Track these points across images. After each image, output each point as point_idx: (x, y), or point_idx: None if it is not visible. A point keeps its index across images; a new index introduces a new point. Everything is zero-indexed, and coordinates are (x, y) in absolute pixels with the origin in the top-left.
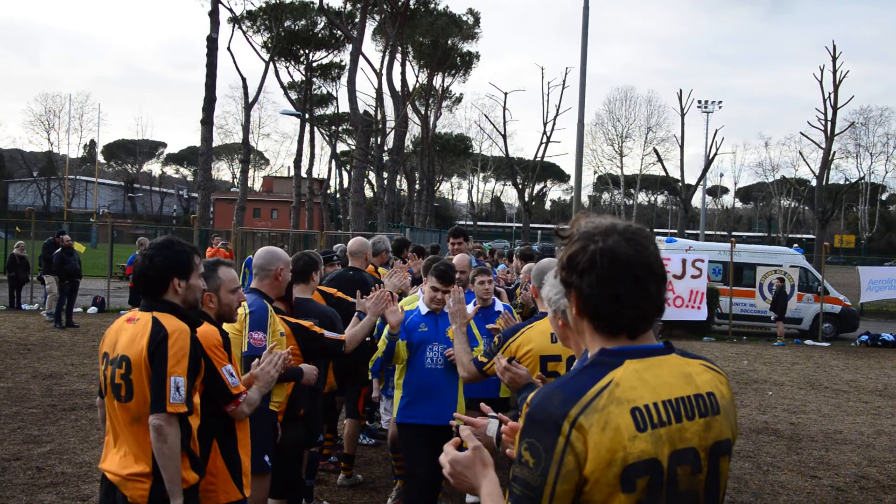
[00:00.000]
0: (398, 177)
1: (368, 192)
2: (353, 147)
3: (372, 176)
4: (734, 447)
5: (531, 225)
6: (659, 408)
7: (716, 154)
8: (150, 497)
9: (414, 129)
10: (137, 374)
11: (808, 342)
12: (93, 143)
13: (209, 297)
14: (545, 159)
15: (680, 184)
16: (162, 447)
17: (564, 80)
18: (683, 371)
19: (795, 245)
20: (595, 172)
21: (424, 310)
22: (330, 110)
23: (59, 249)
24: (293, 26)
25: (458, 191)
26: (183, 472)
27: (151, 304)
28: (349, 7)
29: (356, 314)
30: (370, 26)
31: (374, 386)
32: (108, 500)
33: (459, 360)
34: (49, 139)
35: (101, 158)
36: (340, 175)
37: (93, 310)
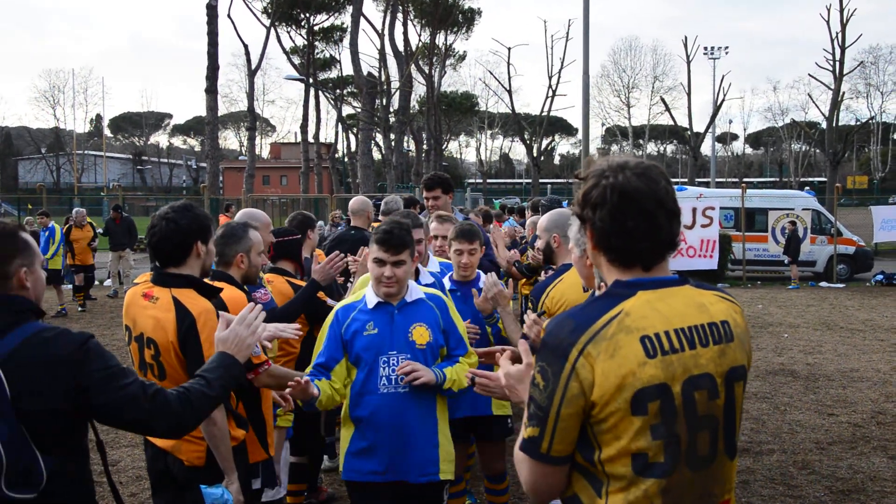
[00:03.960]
0: (405, 138)
1: (376, 155)
2: (359, 110)
3: (379, 138)
4: (752, 388)
5: (541, 180)
6: (671, 335)
7: (723, 100)
8: (208, 459)
9: (419, 89)
10: (167, 356)
11: (823, 284)
12: (99, 118)
13: (241, 257)
14: (552, 113)
15: (689, 132)
16: (213, 430)
17: (568, 33)
18: (697, 301)
19: (807, 188)
20: (603, 125)
21: (373, 300)
22: (333, 74)
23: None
24: None
25: (466, 149)
26: (231, 431)
27: (168, 279)
28: None
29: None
30: None
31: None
32: (158, 464)
33: (511, 340)
34: (55, 115)
35: (107, 132)
36: (347, 138)
37: (108, 283)
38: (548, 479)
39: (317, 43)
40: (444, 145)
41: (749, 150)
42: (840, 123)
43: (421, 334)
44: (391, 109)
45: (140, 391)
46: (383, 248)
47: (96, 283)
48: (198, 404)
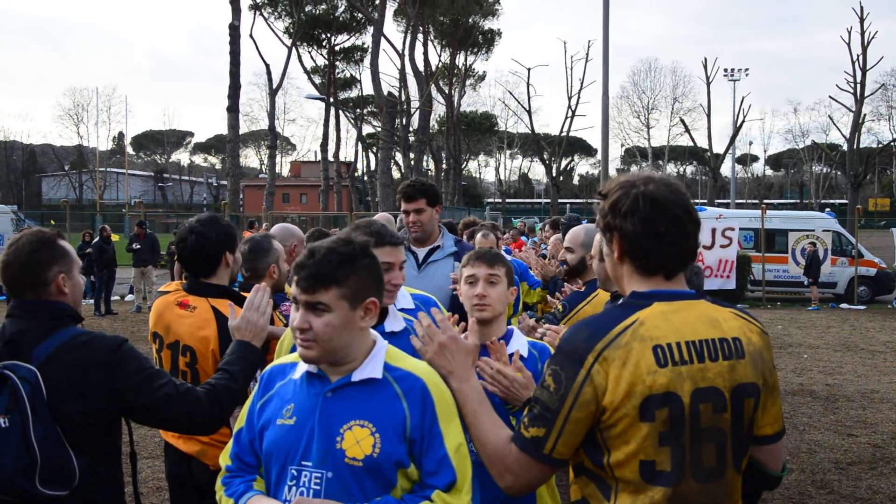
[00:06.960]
0: (425, 157)
1: (395, 174)
2: (379, 129)
3: (398, 157)
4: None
5: (559, 200)
6: (681, 347)
7: (743, 122)
8: None
9: (439, 109)
10: (205, 363)
11: (844, 306)
12: (121, 135)
13: (273, 268)
14: (571, 134)
15: (708, 153)
16: None
17: (588, 53)
18: (711, 316)
19: (828, 210)
20: (622, 145)
21: (303, 366)
22: (354, 93)
23: (98, 239)
24: (314, 11)
25: (485, 169)
26: None
27: (203, 288)
28: None
29: None
30: (391, 7)
31: None
32: (180, 470)
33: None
34: (79, 133)
35: (130, 150)
36: (367, 157)
37: (130, 297)
38: (538, 479)
39: (337, 63)
40: (464, 165)
41: (769, 172)
42: (861, 146)
43: (358, 440)
44: (411, 129)
45: (174, 391)
46: (298, 283)
47: (117, 297)
48: (225, 399)
